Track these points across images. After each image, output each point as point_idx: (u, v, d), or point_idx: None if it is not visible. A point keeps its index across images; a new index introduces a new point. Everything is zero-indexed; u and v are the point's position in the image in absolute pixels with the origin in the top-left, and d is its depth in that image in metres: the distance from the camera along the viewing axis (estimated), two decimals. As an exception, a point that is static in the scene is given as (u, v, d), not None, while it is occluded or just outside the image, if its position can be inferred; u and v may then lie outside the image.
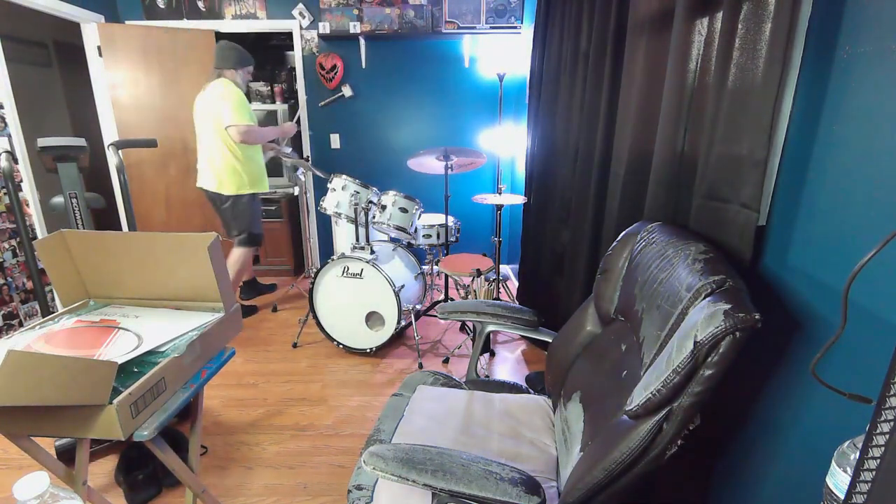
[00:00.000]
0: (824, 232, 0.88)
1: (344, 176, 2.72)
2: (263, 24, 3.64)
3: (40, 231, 2.89)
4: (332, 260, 2.57)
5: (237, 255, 3.03)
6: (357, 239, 2.65)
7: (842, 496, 0.54)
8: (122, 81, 3.47)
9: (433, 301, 3.13)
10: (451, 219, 2.94)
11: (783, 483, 0.96)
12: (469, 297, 3.10)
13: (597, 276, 1.32)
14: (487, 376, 2.53)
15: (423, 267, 3.05)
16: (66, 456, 1.75)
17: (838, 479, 0.56)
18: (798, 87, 0.95)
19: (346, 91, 3.75)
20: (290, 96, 4.22)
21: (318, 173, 2.99)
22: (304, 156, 3.87)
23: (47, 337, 1.11)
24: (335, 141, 3.89)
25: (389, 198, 2.73)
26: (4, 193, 2.61)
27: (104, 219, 3.85)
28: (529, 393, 1.50)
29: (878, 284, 0.74)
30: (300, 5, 3.58)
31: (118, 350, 1.06)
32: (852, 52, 0.82)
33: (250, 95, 4.19)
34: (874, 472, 0.48)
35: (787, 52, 0.90)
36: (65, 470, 1.19)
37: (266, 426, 2.11)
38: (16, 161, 2.72)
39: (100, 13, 3.40)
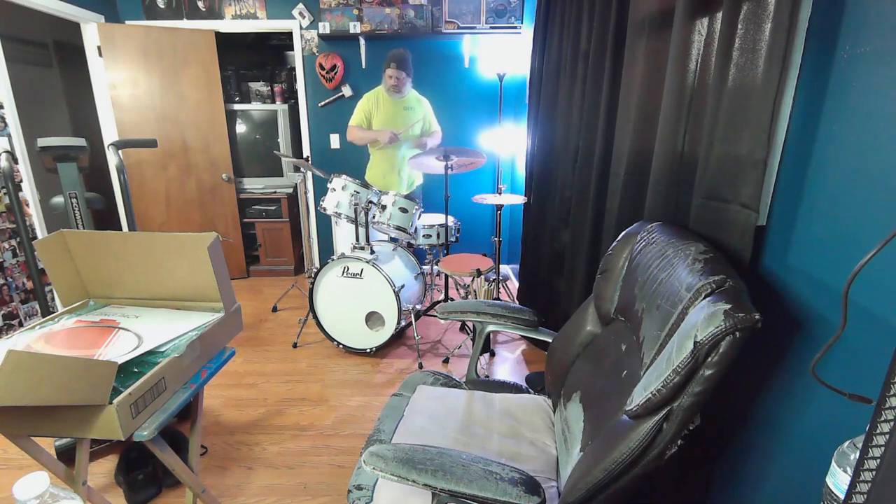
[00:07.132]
0: (824, 232, 0.88)
1: (344, 176, 2.72)
2: (263, 24, 3.64)
3: (40, 231, 2.89)
4: (332, 260, 2.57)
5: None
6: (357, 239, 2.66)
7: (842, 496, 0.54)
8: (121, 81, 3.47)
9: (433, 301, 3.12)
10: (451, 219, 2.94)
11: (783, 483, 0.96)
12: (469, 297, 3.10)
13: (597, 275, 1.32)
14: (487, 376, 2.53)
15: (423, 267, 3.05)
16: (66, 456, 1.75)
17: (838, 479, 0.56)
18: (798, 87, 0.95)
19: (347, 91, 3.75)
20: (290, 96, 4.22)
21: (318, 173, 2.98)
22: (304, 156, 3.87)
23: (47, 337, 1.11)
24: (335, 141, 3.89)
25: (389, 198, 2.73)
26: (4, 193, 2.61)
27: (104, 219, 3.85)
28: (529, 393, 1.50)
29: (878, 284, 0.74)
30: (300, 5, 3.58)
31: (118, 350, 1.06)
32: (852, 53, 0.82)
33: (249, 95, 4.18)
34: (874, 472, 0.48)
35: (786, 53, 0.90)
36: (65, 470, 1.19)
37: (266, 426, 2.11)
38: (16, 161, 2.71)
39: (100, 13, 3.39)
